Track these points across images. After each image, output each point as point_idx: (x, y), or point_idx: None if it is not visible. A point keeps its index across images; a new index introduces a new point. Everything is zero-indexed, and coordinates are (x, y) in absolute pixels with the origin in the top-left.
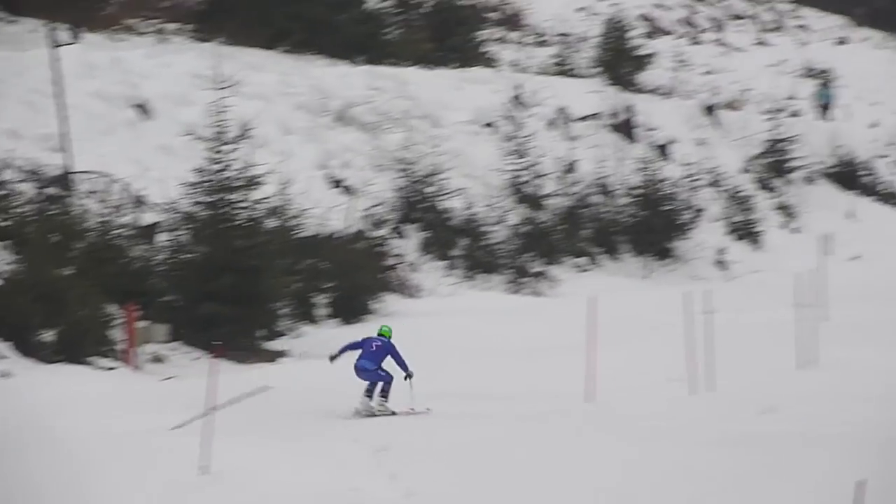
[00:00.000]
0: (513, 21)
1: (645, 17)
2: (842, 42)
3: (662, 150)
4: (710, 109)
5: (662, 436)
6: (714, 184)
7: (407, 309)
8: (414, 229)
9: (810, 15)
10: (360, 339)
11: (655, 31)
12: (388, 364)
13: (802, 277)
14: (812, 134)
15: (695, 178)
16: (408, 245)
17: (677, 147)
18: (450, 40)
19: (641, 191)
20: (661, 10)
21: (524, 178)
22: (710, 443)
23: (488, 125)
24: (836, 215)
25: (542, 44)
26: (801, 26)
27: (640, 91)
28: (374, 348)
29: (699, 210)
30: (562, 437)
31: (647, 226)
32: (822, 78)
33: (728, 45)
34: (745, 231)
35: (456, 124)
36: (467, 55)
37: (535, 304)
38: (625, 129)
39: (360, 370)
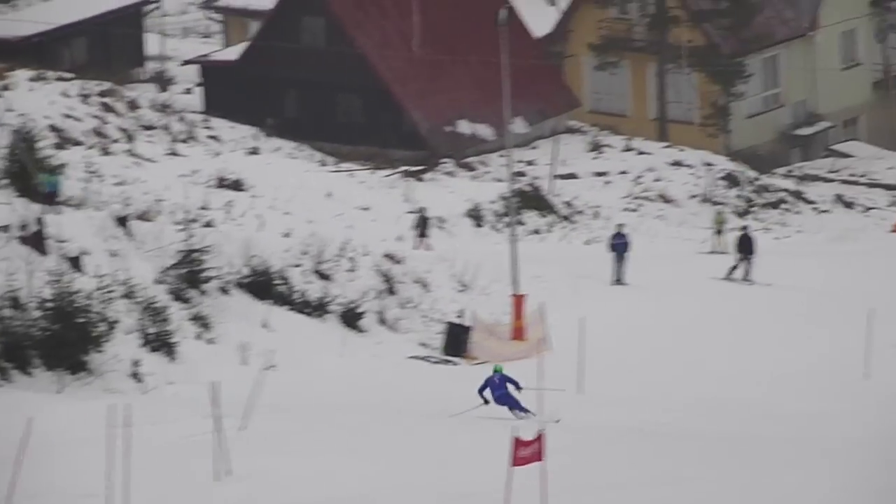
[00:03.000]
0: None
1: (54, 128)
2: (254, 152)
3: (75, 261)
4: (122, 220)
5: None
6: (128, 295)
7: None
8: None
9: (221, 125)
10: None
11: (66, 142)
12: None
13: (219, 388)
14: (226, 244)
15: (108, 289)
16: None
17: (90, 259)
18: None
19: (53, 303)
20: (71, 121)
21: None
22: None
23: None
24: (252, 325)
25: None
26: (212, 137)
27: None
28: (498, 381)
29: (113, 322)
30: None
31: (60, 339)
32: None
33: (140, 156)
34: (160, 342)
35: None
36: None
37: None
38: (35, 241)
39: (499, 399)
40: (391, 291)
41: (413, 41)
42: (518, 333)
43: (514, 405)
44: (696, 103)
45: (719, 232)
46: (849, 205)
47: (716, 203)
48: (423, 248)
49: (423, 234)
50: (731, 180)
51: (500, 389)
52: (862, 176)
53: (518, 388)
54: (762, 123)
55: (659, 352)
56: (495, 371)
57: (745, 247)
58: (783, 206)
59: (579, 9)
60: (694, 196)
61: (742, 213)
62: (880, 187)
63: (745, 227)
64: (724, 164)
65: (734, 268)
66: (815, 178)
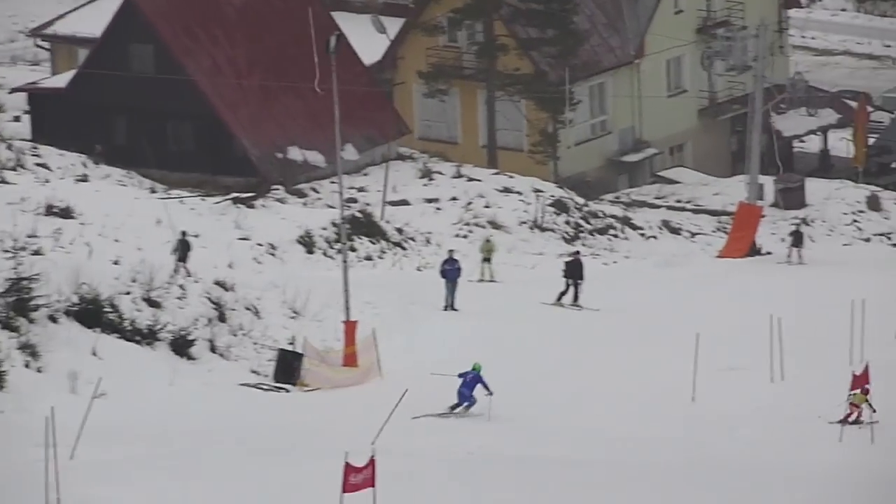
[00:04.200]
0: None
1: None
2: (83, 179)
3: None
4: None
5: None
6: None
7: None
8: None
9: (50, 153)
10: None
11: None
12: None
13: (50, 417)
14: (55, 272)
15: None
16: None
17: None
18: None
19: None
20: None
21: None
22: None
23: None
24: (82, 353)
25: None
26: (41, 164)
27: None
28: (469, 380)
29: None
30: None
31: None
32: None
33: None
34: None
35: None
36: None
37: None
38: None
39: (460, 394)
40: (222, 319)
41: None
42: (350, 360)
43: (468, 403)
44: (525, 130)
45: (487, 260)
46: (675, 230)
47: (497, 227)
48: (182, 273)
49: (182, 259)
50: (560, 206)
51: (466, 387)
52: (688, 202)
53: (488, 392)
54: (590, 150)
55: (491, 376)
56: (474, 369)
57: (575, 272)
58: (611, 231)
59: (408, 37)
60: (524, 222)
61: (571, 239)
62: (706, 213)
63: (575, 253)
64: (552, 190)
65: (563, 293)
66: (643, 204)
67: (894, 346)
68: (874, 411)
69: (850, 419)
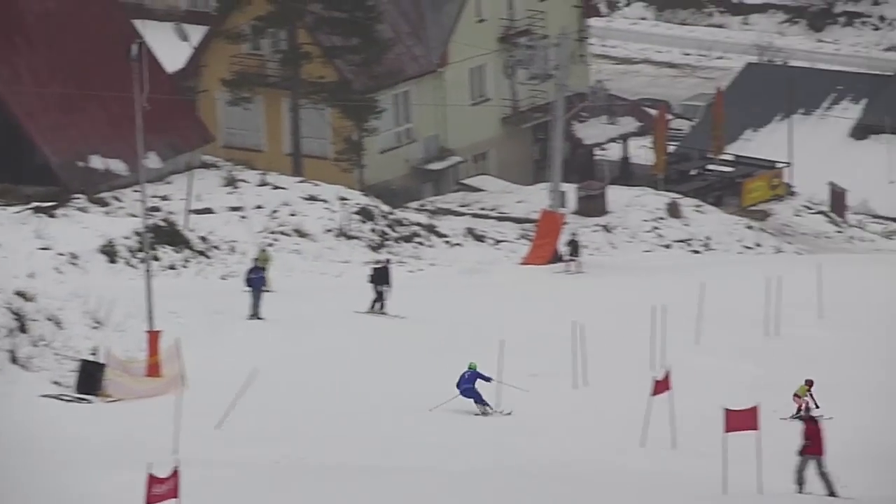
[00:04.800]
0: None
1: None
2: None
3: None
4: None
5: None
6: None
7: None
8: None
9: None
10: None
11: None
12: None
13: None
14: None
15: None
16: None
17: None
18: None
19: None
20: None
21: None
22: None
23: None
24: None
25: None
26: None
27: None
28: (468, 377)
29: None
30: None
31: None
32: None
33: None
34: None
35: None
36: None
37: None
38: None
39: (463, 393)
40: (23, 329)
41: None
42: (153, 370)
43: (478, 399)
44: (330, 138)
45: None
46: (480, 238)
47: (265, 241)
48: None
49: None
50: (366, 214)
51: (467, 384)
52: (492, 209)
53: (487, 380)
54: (395, 158)
55: (299, 385)
56: (469, 368)
57: (382, 279)
58: (416, 239)
59: (211, 44)
60: (329, 230)
61: (377, 247)
62: (510, 220)
63: (386, 261)
64: (358, 198)
65: (375, 300)
66: (447, 212)
67: (695, 351)
68: (817, 406)
69: (799, 413)
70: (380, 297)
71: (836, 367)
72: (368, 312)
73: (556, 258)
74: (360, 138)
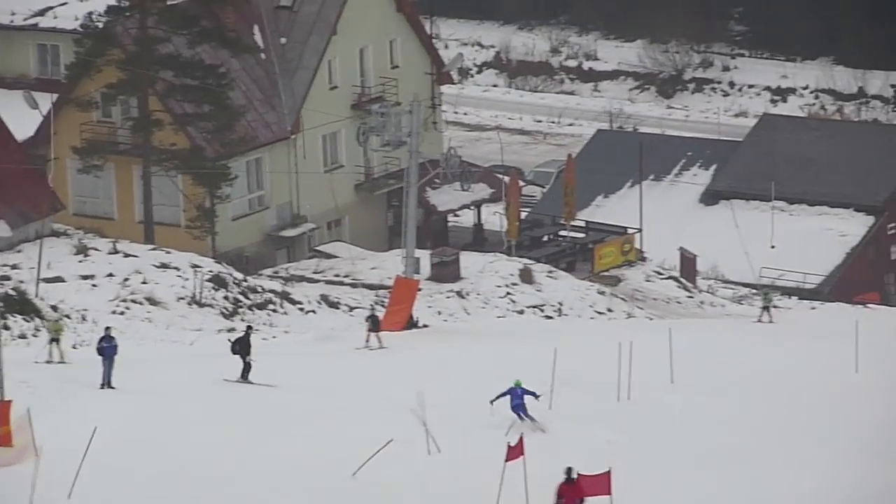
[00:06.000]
0: None
1: None
2: None
3: None
4: None
5: None
6: None
7: None
8: None
9: None
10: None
11: None
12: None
13: None
14: None
15: None
16: None
17: None
18: None
19: None
20: None
21: None
22: None
23: None
24: None
25: None
26: None
27: None
28: (519, 393)
29: None
30: None
31: None
32: None
33: None
34: None
35: None
36: None
37: None
38: None
39: (515, 408)
40: None
41: None
42: (4, 440)
43: (525, 414)
44: (182, 205)
45: (56, 340)
46: (334, 305)
47: (57, 313)
48: None
49: None
50: (219, 282)
51: (517, 400)
52: (346, 276)
53: (536, 397)
54: (248, 225)
55: (150, 452)
56: (516, 385)
57: (244, 348)
58: (270, 306)
59: (62, 112)
60: (182, 298)
61: (230, 315)
62: (364, 287)
63: (247, 328)
64: (211, 265)
65: (244, 369)
66: (301, 279)
67: (548, 416)
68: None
69: None
70: (246, 366)
71: (688, 431)
72: (239, 381)
73: (412, 324)
74: (212, 205)
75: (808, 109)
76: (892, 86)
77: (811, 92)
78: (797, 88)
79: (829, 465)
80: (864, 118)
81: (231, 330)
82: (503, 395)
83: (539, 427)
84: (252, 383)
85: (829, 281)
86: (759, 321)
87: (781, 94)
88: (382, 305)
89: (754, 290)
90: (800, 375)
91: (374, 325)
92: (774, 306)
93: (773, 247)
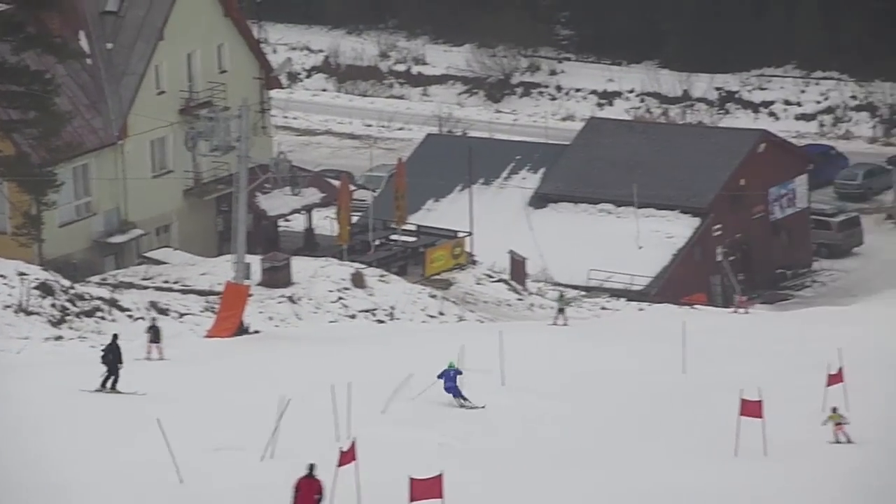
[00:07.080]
0: None
1: None
2: None
3: None
4: None
5: None
6: None
7: None
8: None
9: None
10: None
11: None
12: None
13: None
14: None
15: None
16: None
17: None
18: None
19: None
20: None
21: None
22: None
23: None
24: None
25: None
26: None
27: None
28: (452, 374)
29: None
30: None
31: None
32: None
33: None
34: None
35: None
36: None
37: None
38: None
39: (449, 389)
40: None
41: None
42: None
43: (457, 394)
44: (8, 213)
45: None
46: (163, 311)
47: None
48: None
49: None
50: (46, 289)
51: (450, 382)
52: (175, 282)
53: (460, 373)
54: (75, 232)
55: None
56: (450, 366)
57: (116, 356)
58: (98, 314)
59: None
60: (8, 306)
61: (57, 323)
62: (194, 293)
63: (114, 336)
64: (37, 273)
65: (107, 378)
66: (130, 286)
67: (381, 421)
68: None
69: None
70: (114, 375)
71: (521, 433)
72: (99, 391)
73: (242, 330)
74: (38, 212)
75: (633, 113)
76: (717, 89)
77: (637, 95)
78: (623, 92)
79: (664, 464)
80: (689, 121)
81: (59, 338)
82: (441, 374)
83: (471, 405)
84: (121, 393)
85: (656, 282)
86: (555, 324)
87: (608, 97)
88: (213, 311)
89: (584, 293)
90: (629, 375)
91: (156, 335)
92: (570, 307)
93: (640, 247)
